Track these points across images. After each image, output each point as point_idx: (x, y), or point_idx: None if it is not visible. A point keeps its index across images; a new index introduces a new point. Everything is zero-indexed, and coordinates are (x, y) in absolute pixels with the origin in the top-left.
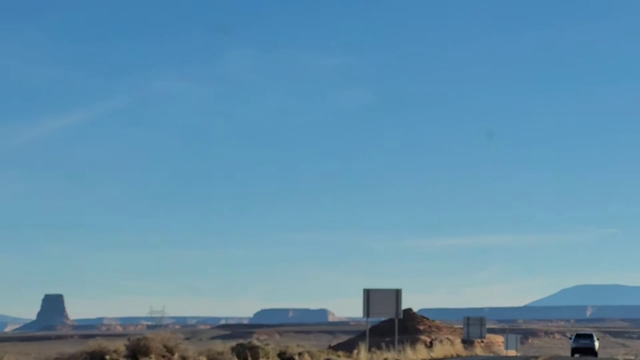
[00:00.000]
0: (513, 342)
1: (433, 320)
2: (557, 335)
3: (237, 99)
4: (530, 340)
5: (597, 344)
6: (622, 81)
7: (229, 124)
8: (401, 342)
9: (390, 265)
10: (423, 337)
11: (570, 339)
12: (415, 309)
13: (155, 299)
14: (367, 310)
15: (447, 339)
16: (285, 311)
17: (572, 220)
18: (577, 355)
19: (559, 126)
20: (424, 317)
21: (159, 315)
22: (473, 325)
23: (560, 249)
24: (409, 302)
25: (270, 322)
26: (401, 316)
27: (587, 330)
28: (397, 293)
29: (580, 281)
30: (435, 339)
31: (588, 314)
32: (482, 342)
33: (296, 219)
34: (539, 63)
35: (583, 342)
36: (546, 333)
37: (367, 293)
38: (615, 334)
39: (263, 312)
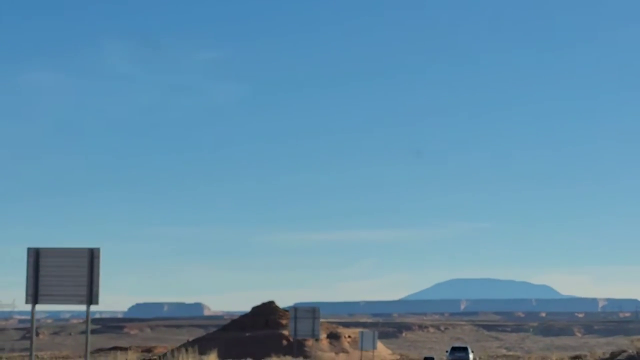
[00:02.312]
0: (369, 340)
1: None
2: (431, 329)
3: (111, 91)
4: (404, 334)
5: (471, 356)
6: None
7: (103, 117)
8: (260, 337)
9: (268, 259)
10: (285, 332)
11: (447, 352)
12: (290, 304)
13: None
14: (34, 289)
15: None
16: (160, 305)
17: (446, 215)
18: None
19: (430, 114)
20: (286, 311)
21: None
22: (302, 319)
23: (435, 242)
24: (279, 295)
25: (145, 316)
26: (97, 302)
27: (462, 344)
28: (92, 255)
29: (455, 275)
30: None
31: (462, 307)
32: (350, 337)
33: (175, 212)
34: (396, 55)
35: (458, 355)
36: (420, 327)
37: (35, 255)
38: (489, 327)
39: (138, 306)
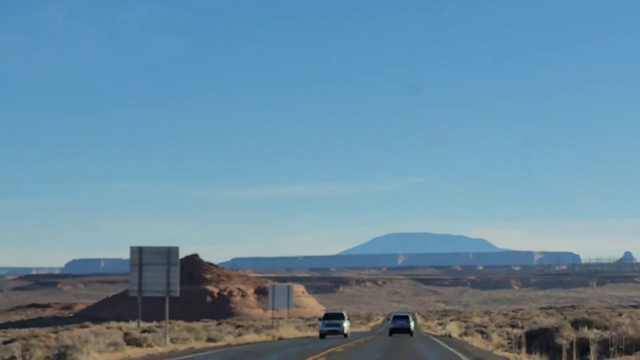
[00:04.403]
0: (283, 297)
1: (223, 269)
2: (368, 284)
3: (47, 47)
4: (341, 289)
5: (412, 324)
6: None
7: (37, 71)
8: (183, 292)
9: (207, 214)
10: (210, 288)
11: (388, 320)
12: (228, 259)
13: None
14: None
15: (238, 289)
16: (97, 261)
17: (383, 170)
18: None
19: (353, 69)
20: (212, 265)
21: None
22: (151, 266)
23: (372, 197)
24: (217, 250)
25: (82, 272)
26: None
27: (404, 312)
28: None
29: (392, 230)
30: (225, 290)
31: (400, 261)
32: None
33: (114, 167)
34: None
35: (400, 323)
36: (357, 281)
37: None
38: (427, 281)
39: (75, 262)
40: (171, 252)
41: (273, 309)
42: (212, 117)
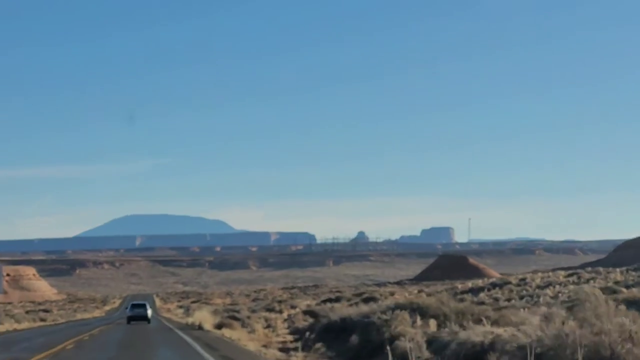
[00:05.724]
0: None
1: None
2: (106, 266)
3: None
4: (78, 271)
5: (149, 312)
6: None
7: None
8: None
9: None
10: None
11: (127, 308)
12: None
13: None
14: None
15: None
16: None
17: (123, 151)
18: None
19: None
20: None
21: None
22: None
23: (110, 179)
24: None
25: None
26: None
27: (141, 300)
28: None
29: (130, 211)
30: None
31: (138, 243)
32: (9, 276)
33: None
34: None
35: (137, 312)
36: (95, 263)
37: None
38: (165, 262)
39: None
40: None
41: None
42: None
